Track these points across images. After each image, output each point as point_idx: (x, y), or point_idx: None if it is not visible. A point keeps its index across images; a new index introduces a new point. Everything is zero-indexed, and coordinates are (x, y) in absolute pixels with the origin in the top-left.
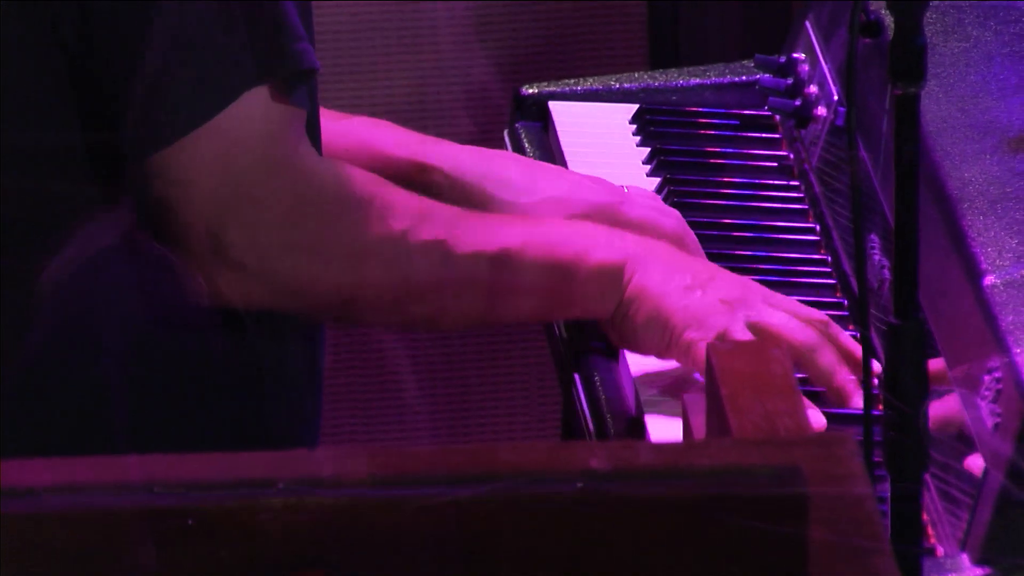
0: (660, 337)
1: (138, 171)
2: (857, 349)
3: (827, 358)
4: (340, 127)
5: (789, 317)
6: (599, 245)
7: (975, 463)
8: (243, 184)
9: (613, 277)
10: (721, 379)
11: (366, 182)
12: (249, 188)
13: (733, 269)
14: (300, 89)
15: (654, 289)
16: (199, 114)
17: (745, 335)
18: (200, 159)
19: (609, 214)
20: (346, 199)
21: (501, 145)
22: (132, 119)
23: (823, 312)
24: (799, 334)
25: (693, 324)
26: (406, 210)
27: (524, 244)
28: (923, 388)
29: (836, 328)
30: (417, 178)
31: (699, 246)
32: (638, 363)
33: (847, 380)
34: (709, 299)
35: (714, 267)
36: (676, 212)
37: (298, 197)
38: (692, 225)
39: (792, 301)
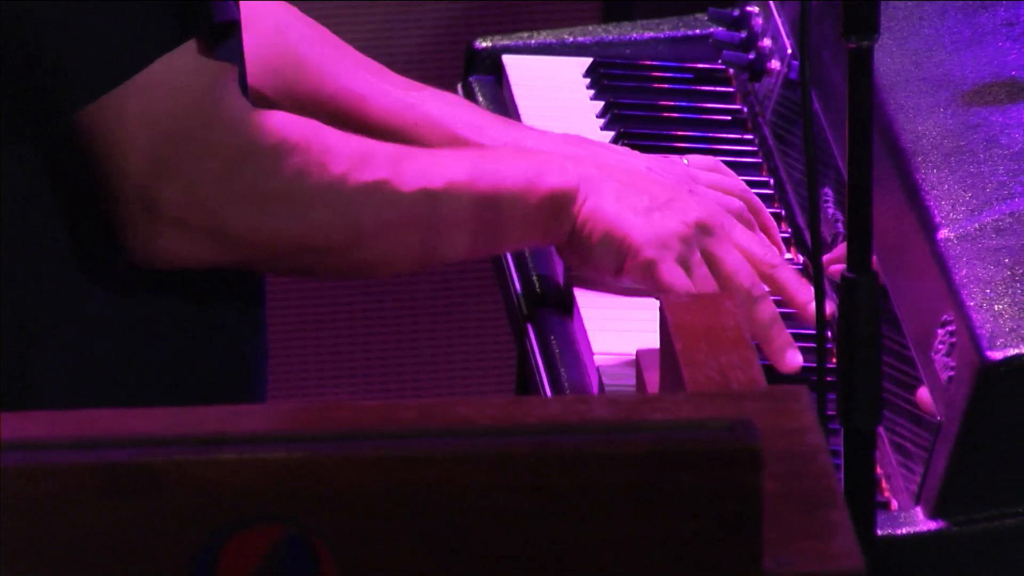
0: (617, 255)
1: (65, 131)
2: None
3: (775, 301)
4: (409, 99)
5: (743, 261)
6: (550, 171)
7: (924, 398)
8: (174, 139)
9: (565, 201)
10: (675, 333)
11: (302, 128)
12: (181, 143)
13: None
14: (226, 43)
15: (608, 209)
16: (123, 70)
17: (700, 269)
18: (128, 115)
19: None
20: (283, 147)
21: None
22: (55, 78)
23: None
24: (747, 279)
25: (651, 243)
26: (346, 152)
27: (472, 176)
28: (876, 341)
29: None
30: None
31: (769, 218)
32: (592, 315)
33: (808, 302)
34: (668, 221)
35: (676, 191)
36: (740, 183)
37: (233, 148)
38: None
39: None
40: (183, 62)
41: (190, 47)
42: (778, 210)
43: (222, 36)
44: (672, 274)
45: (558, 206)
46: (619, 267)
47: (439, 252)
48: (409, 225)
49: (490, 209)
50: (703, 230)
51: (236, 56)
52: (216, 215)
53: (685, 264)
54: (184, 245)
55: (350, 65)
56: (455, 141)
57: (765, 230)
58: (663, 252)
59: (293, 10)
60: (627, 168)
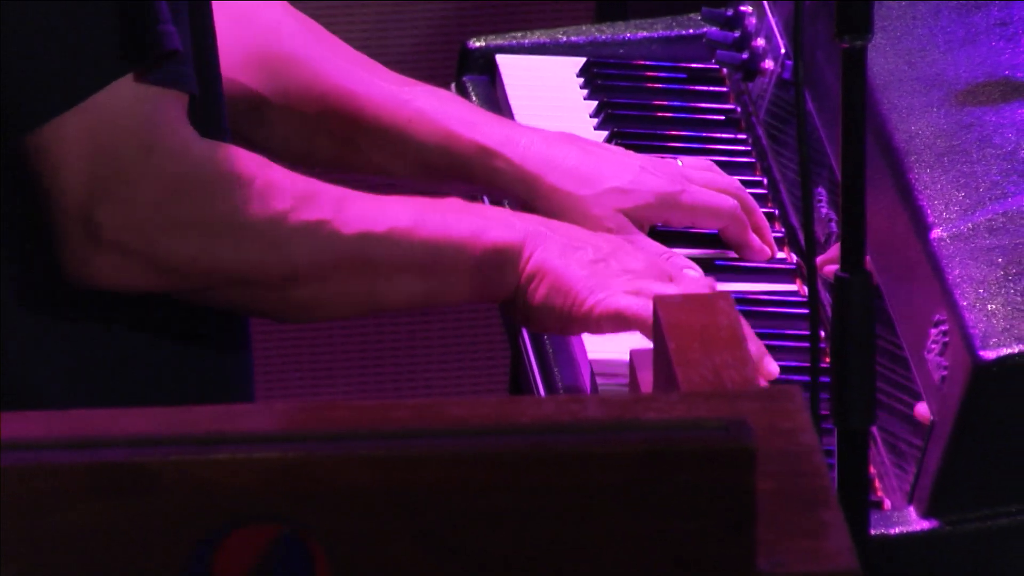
0: (561, 310)
1: (11, 153)
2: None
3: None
4: (403, 94)
5: (648, 281)
6: (496, 225)
7: (923, 413)
8: (115, 164)
9: (511, 256)
10: (668, 333)
11: (248, 162)
12: (122, 168)
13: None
14: (174, 70)
15: (553, 263)
16: (69, 96)
17: (629, 287)
18: (71, 140)
19: (671, 203)
20: (226, 178)
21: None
22: (4, 101)
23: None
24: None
25: (596, 290)
26: (289, 190)
27: (415, 223)
28: (870, 341)
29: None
30: (478, 161)
31: (761, 219)
32: None
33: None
34: (612, 270)
35: (618, 240)
36: (734, 182)
37: (174, 176)
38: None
39: (657, 252)
40: (124, 89)
41: (131, 74)
42: (772, 210)
43: (165, 63)
44: (628, 302)
45: (503, 259)
46: (567, 322)
47: (378, 298)
48: (347, 267)
49: (432, 257)
50: (646, 277)
51: (182, 84)
52: (152, 242)
53: (612, 302)
54: (120, 269)
55: (343, 62)
56: (448, 136)
57: (757, 230)
58: (608, 295)
59: (288, 7)
60: (570, 228)
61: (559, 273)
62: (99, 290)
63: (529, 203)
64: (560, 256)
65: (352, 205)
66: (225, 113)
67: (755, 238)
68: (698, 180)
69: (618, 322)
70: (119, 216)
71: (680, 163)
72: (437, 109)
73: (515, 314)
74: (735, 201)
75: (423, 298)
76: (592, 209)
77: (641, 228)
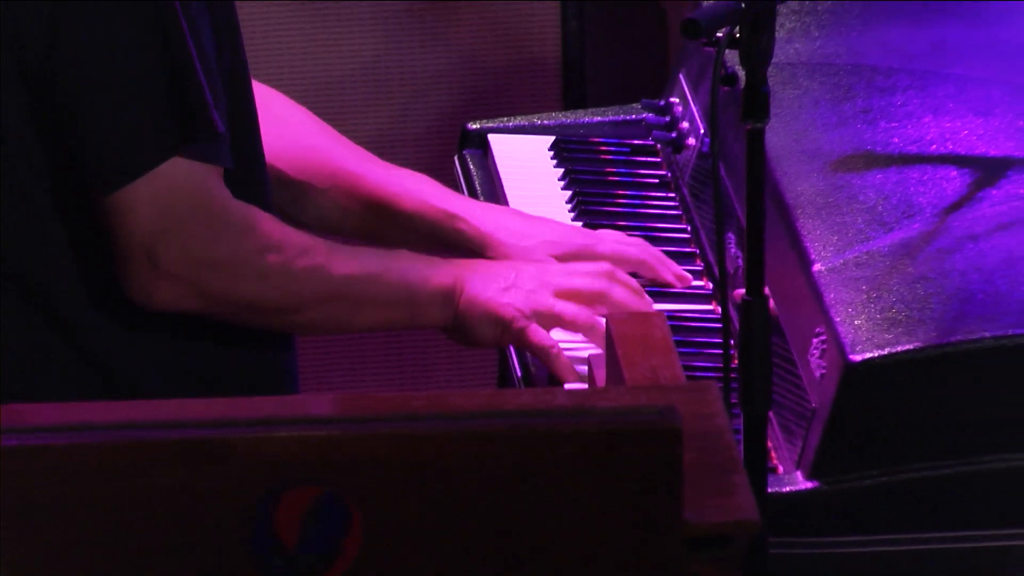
0: (494, 331)
1: (91, 203)
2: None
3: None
4: (392, 176)
5: (567, 304)
6: (436, 271)
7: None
8: (172, 217)
9: (447, 295)
10: (617, 342)
11: (266, 219)
12: (177, 220)
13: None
14: (215, 149)
15: (480, 296)
16: (139, 167)
17: (542, 304)
18: (140, 199)
19: (587, 253)
20: (251, 231)
21: (452, 168)
22: (96, 166)
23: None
24: (576, 316)
25: (517, 315)
26: (295, 242)
27: (383, 269)
28: (767, 347)
29: (621, 275)
30: (447, 223)
31: (663, 258)
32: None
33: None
34: (520, 293)
35: (517, 267)
36: (639, 241)
37: (214, 228)
38: (591, 226)
39: (559, 272)
40: (180, 162)
41: (185, 152)
42: (693, 249)
43: (209, 144)
44: (538, 335)
45: (445, 296)
46: (500, 340)
47: (355, 323)
48: (335, 300)
49: (395, 295)
50: (541, 287)
51: (221, 160)
52: (198, 275)
53: (541, 321)
54: (173, 295)
55: (348, 152)
56: (425, 206)
57: (665, 268)
58: (527, 319)
59: (309, 113)
60: (487, 265)
61: (486, 305)
62: (157, 311)
63: (482, 254)
64: (483, 290)
65: (338, 254)
66: (269, 188)
67: (666, 274)
68: (610, 239)
69: (528, 349)
70: (175, 254)
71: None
72: (416, 187)
73: (457, 337)
74: (638, 251)
75: (386, 324)
76: (531, 256)
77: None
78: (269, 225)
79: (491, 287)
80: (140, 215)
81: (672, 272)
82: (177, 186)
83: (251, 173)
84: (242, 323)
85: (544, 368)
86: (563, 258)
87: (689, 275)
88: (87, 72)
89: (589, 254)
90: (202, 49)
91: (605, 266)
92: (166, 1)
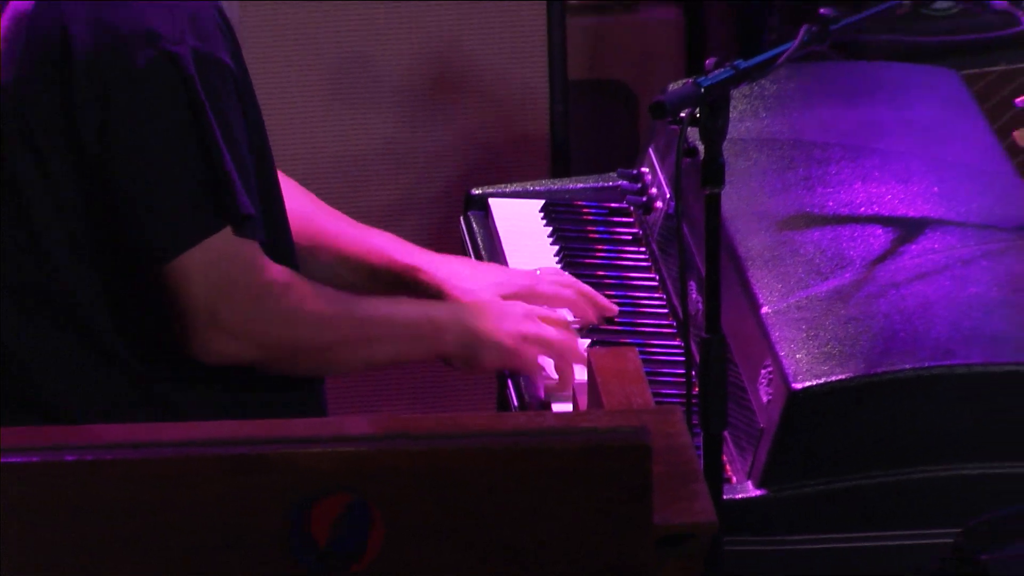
0: (493, 354)
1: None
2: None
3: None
4: (362, 235)
5: (540, 325)
6: (438, 310)
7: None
8: (226, 280)
9: (449, 329)
10: (597, 372)
11: (298, 278)
12: (231, 282)
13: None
14: (252, 225)
15: (480, 327)
16: (190, 240)
17: (530, 330)
18: (195, 266)
19: (529, 293)
20: (290, 289)
21: (458, 227)
22: (138, 243)
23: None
24: (561, 337)
25: (513, 341)
26: (322, 295)
27: (394, 312)
28: (723, 377)
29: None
30: (409, 275)
31: (592, 296)
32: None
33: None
34: (509, 326)
35: (503, 305)
36: (573, 279)
37: (262, 289)
38: (578, 276)
39: (543, 310)
40: (226, 235)
41: (227, 228)
42: (661, 295)
43: (246, 222)
44: (529, 355)
45: (447, 330)
46: (501, 363)
47: (380, 357)
48: (362, 339)
49: (404, 332)
50: (522, 320)
51: (257, 234)
52: (252, 327)
53: (532, 344)
54: (234, 349)
55: (327, 216)
56: (391, 261)
57: (596, 305)
58: (519, 344)
59: (292, 181)
60: (473, 306)
61: (486, 336)
62: (215, 364)
63: (440, 298)
64: (482, 323)
65: (358, 302)
66: (295, 251)
67: (591, 314)
68: (548, 280)
69: (519, 370)
70: (234, 313)
71: (538, 271)
72: (382, 244)
73: (458, 364)
74: (572, 292)
75: (402, 357)
76: (480, 297)
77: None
78: (302, 281)
79: (488, 320)
80: (196, 281)
81: (599, 308)
82: (226, 255)
83: (281, 239)
84: (291, 370)
85: (535, 395)
86: (508, 297)
87: (615, 307)
88: (133, 168)
89: (530, 293)
90: (233, 142)
91: (561, 317)
92: (199, 106)
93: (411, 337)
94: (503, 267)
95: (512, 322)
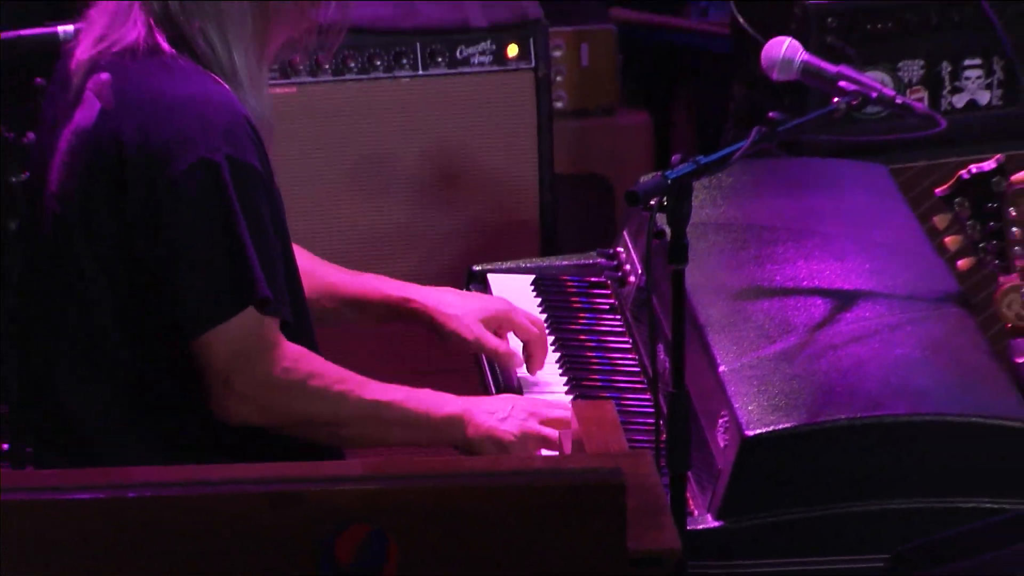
0: (495, 450)
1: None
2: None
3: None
4: (357, 279)
5: (534, 422)
6: (447, 402)
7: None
8: (244, 354)
9: (457, 421)
10: (580, 421)
11: (311, 356)
12: (248, 357)
13: (583, 367)
14: (275, 305)
15: (485, 424)
16: (215, 319)
17: (531, 429)
18: (218, 341)
19: (506, 317)
20: (299, 364)
21: None
22: (173, 320)
23: (615, 387)
24: (545, 431)
25: (510, 439)
26: (332, 373)
27: (405, 399)
28: (687, 425)
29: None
30: (403, 304)
31: (543, 342)
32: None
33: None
34: (512, 423)
35: (507, 400)
36: (540, 322)
37: (274, 363)
38: (560, 339)
39: (542, 404)
40: (249, 314)
41: (249, 309)
42: (634, 356)
43: (268, 302)
44: (521, 448)
45: (455, 422)
46: (499, 453)
47: (389, 439)
48: (369, 419)
49: (415, 417)
50: (523, 416)
51: (280, 314)
52: (263, 396)
53: (531, 441)
54: (244, 412)
55: (327, 269)
56: (386, 296)
57: (542, 350)
58: (519, 440)
59: (301, 248)
60: (485, 401)
61: (492, 433)
62: (233, 424)
63: (430, 324)
64: (487, 420)
65: (369, 384)
66: (312, 328)
67: (543, 355)
68: (523, 313)
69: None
70: (245, 381)
71: (514, 306)
72: (376, 284)
73: (465, 452)
74: (538, 331)
75: (410, 441)
76: (464, 320)
77: (494, 331)
78: (312, 359)
79: (493, 418)
80: (217, 352)
81: (544, 356)
82: (244, 331)
83: (301, 318)
84: (305, 438)
85: (509, 381)
86: (488, 320)
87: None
88: (173, 257)
89: (506, 318)
90: (260, 234)
91: (560, 415)
92: (230, 205)
93: (418, 424)
94: (484, 295)
95: (514, 423)
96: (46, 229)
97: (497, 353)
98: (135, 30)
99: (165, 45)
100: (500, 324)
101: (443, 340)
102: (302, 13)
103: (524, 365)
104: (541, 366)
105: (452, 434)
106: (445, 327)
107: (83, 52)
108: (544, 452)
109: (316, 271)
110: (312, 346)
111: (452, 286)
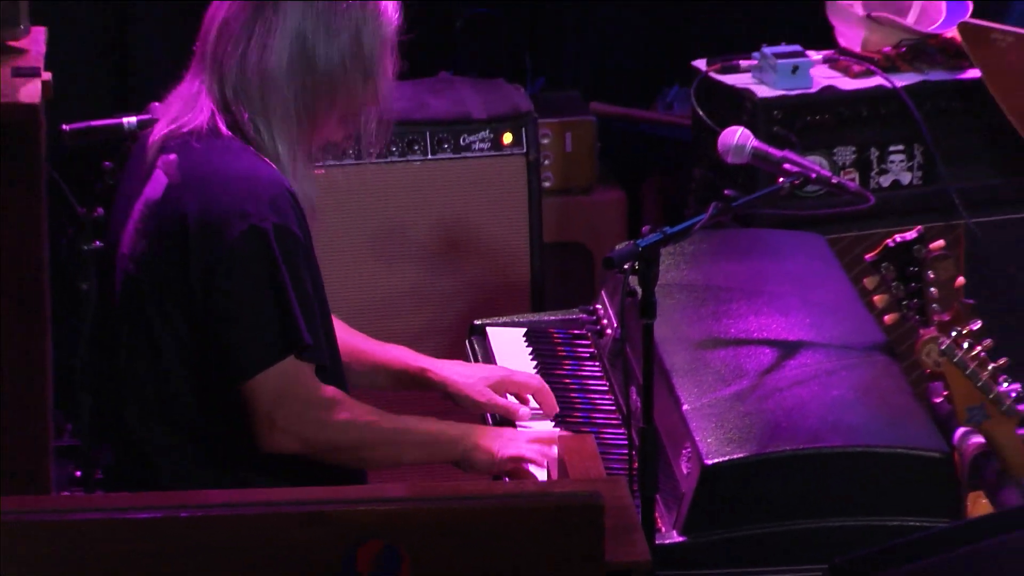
0: (492, 470)
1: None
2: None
3: (550, 454)
4: (384, 349)
5: (529, 447)
6: (453, 428)
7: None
8: (285, 395)
9: (461, 442)
10: (563, 452)
11: (342, 396)
12: (288, 397)
13: (567, 406)
14: (313, 351)
15: (483, 445)
16: (261, 365)
17: (532, 454)
18: (263, 384)
19: (507, 380)
20: (331, 402)
21: (464, 348)
22: (224, 367)
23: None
24: (538, 455)
25: (504, 458)
26: (359, 409)
27: (417, 426)
28: (656, 455)
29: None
30: (421, 375)
31: (549, 391)
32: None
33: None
34: (512, 449)
35: (510, 434)
36: (540, 379)
37: (311, 404)
38: (548, 382)
39: (531, 433)
40: (289, 361)
41: (290, 355)
42: (610, 397)
43: (307, 349)
44: (512, 466)
45: (459, 443)
46: (490, 470)
47: (404, 459)
48: (389, 443)
49: (426, 440)
50: (523, 443)
51: (318, 359)
52: (302, 429)
53: (524, 463)
54: (284, 443)
55: (360, 338)
56: (406, 365)
57: (550, 401)
58: (515, 464)
59: (338, 319)
60: (492, 430)
61: (486, 449)
62: (275, 453)
63: (444, 391)
64: (485, 443)
65: (388, 416)
66: (344, 373)
67: (551, 402)
68: (521, 373)
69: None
70: (287, 417)
71: (511, 368)
72: (399, 355)
73: (465, 468)
74: (538, 382)
75: (422, 460)
76: (475, 387)
77: (500, 393)
78: (343, 397)
79: (493, 442)
80: (262, 393)
81: (552, 401)
82: (287, 375)
83: (335, 362)
84: (333, 462)
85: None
86: (493, 385)
87: (557, 407)
88: (228, 310)
89: (508, 380)
90: (301, 292)
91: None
92: (276, 266)
93: (429, 444)
94: (489, 366)
95: (514, 447)
96: (119, 287)
97: (508, 410)
98: (201, 115)
99: (224, 129)
100: (503, 387)
101: (456, 404)
102: (343, 123)
103: (528, 415)
104: (555, 406)
105: (454, 453)
106: (459, 393)
107: (158, 131)
108: (531, 468)
109: (349, 340)
110: (343, 387)
111: (456, 337)
